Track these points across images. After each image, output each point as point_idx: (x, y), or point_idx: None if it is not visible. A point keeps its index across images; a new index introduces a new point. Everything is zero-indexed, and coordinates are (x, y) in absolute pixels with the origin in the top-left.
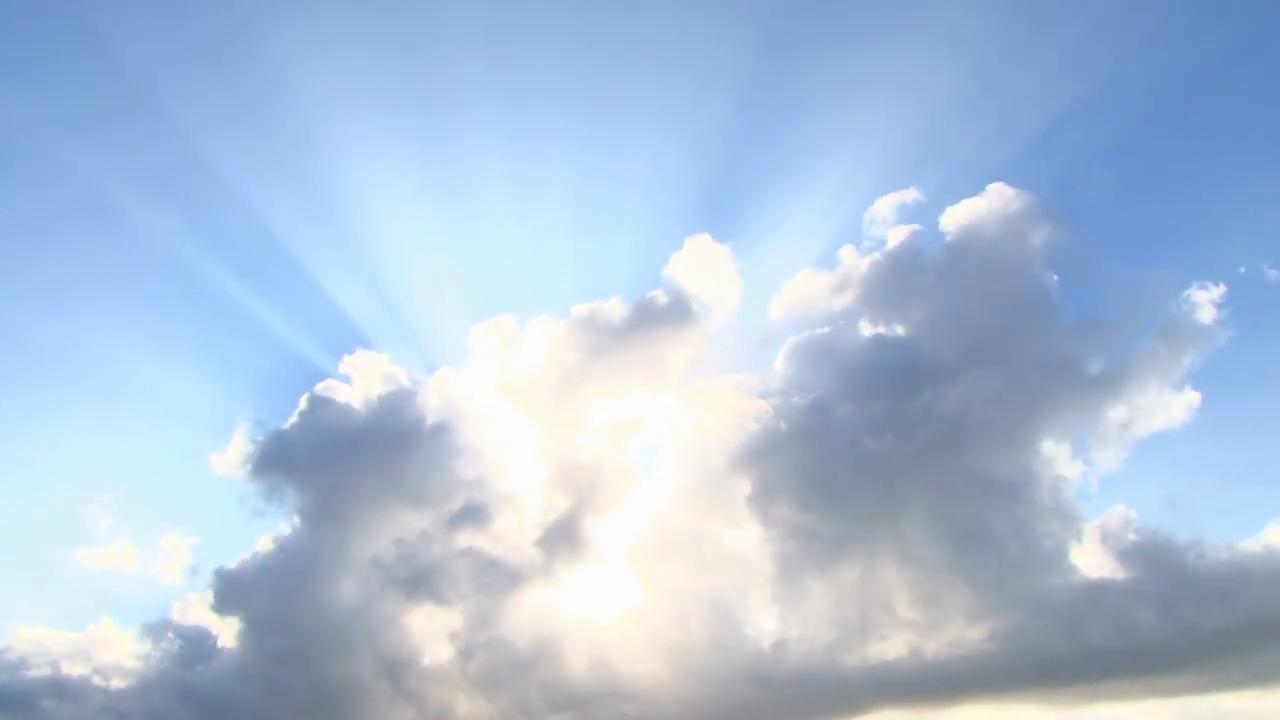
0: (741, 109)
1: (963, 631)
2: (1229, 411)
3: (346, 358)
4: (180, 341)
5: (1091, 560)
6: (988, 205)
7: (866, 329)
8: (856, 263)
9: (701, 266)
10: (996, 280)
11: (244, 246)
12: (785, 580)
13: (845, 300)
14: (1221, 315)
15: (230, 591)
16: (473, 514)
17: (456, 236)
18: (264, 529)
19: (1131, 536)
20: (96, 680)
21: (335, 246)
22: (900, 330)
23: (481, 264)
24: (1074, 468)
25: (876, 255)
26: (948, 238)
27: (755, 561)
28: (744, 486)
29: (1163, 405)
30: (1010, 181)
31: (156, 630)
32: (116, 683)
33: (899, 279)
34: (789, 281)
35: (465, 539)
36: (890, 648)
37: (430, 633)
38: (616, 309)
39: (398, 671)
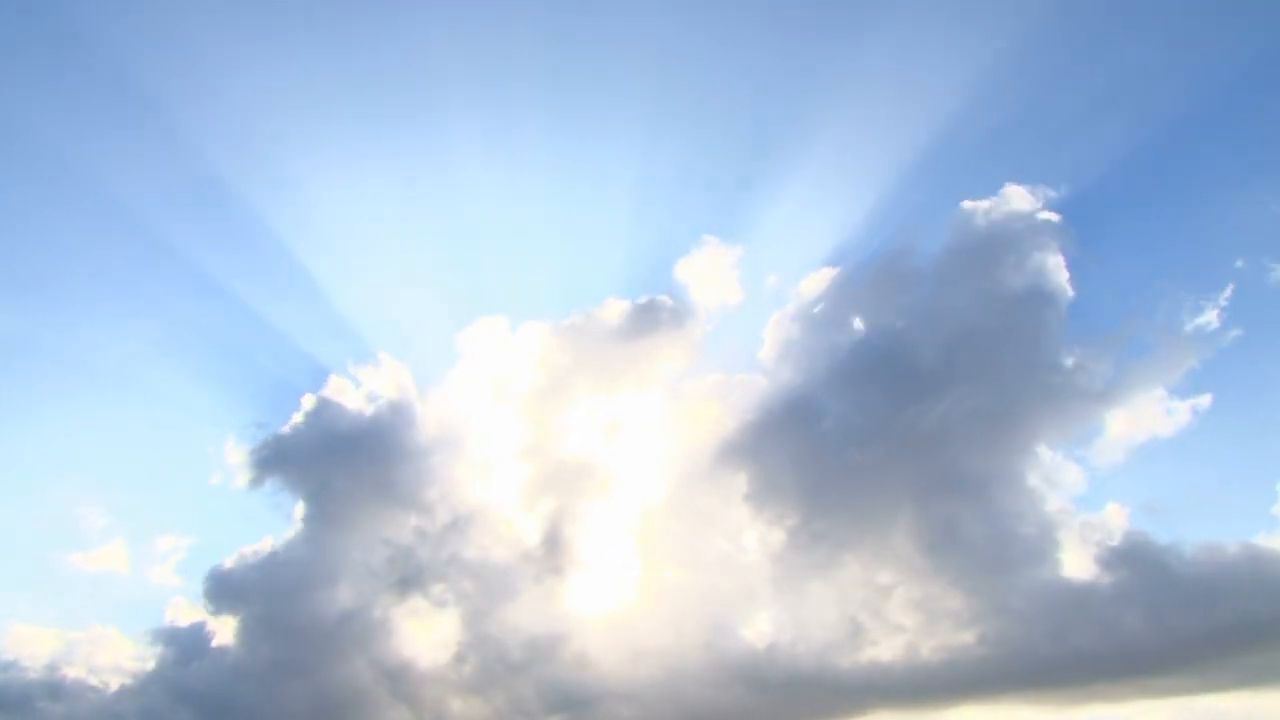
0: (735, 110)
1: (954, 635)
2: (1220, 416)
3: (345, 362)
4: (178, 344)
5: (1081, 564)
6: (996, 207)
7: (864, 332)
8: (857, 265)
9: (698, 268)
10: (997, 283)
11: (244, 247)
12: (780, 582)
13: (842, 303)
14: (1217, 320)
15: (225, 592)
16: (467, 516)
17: (449, 241)
18: (261, 531)
19: (1121, 541)
20: (92, 681)
21: (335, 249)
22: (898, 334)
23: (473, 267)
24: (1065, 472)
25: (877, 258)
26: (950, 239)
27: (750, 564)
28: (739, 489)
29: (1155, 410)
30: (1019, 183)
31: (152, 631)
32: (112, 683)
33: (898, 281)
34: (787, 284)
35: (461, 541)
36: (884, 650)
37: (426, 634)
38: (610, 311)
39: (394, 673)
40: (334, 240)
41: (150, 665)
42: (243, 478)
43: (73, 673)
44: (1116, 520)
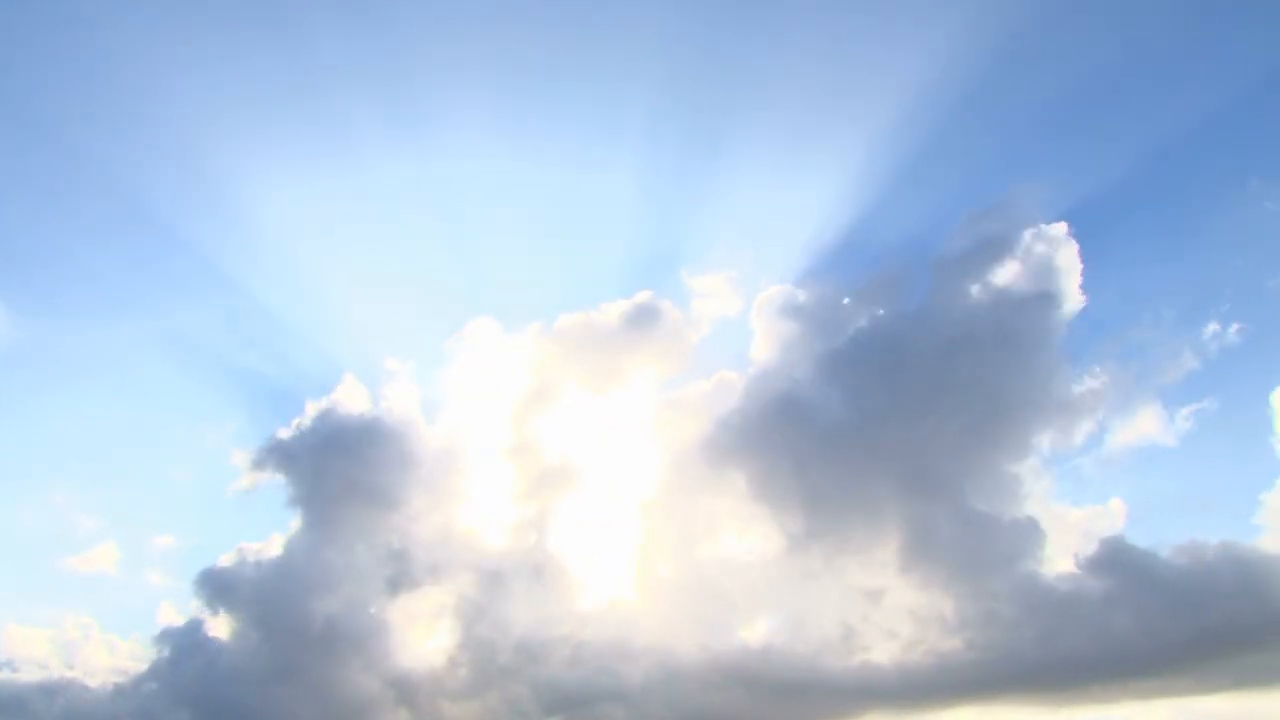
0: (736, 110)
1: (944, 639)
2: (1212, 422)
3: (344, 365)
4: (178, 345)
5: (1074, 567)
6: (995, 210)
7: (862, 335)
8: (854, 266)
9: (694, 270)
10: (994, 287)
11: (242, 249)
12: (776, 585)
13: (838, 306)
14: (1217, 326)
15: (219, 593)
16: (463, 519)
17: (446, 244)
18: (257, 533)
19: (1113, 544)
20: (88, 681)
21: (332, 253)
22: (895, 338)
23: (466, 270)
24: (1060, 476)
25: (877, 259)
26: (950, 239)
27: (746, 566)
28: (735, 492)
29: (1150, 416)
30: (1013, 193)
31: (147, 631)
32: (108, 682)
33: (897, 284)
34: (783, 286)
35: (457, 543)
36: (877, 653)
37: (423, 636)
38: (603, 313)
39: (390, 674)
40: (334, 242)
41: (144, 666)
42: (242, 480)
43: (68, 673)
44: (1111, 522)
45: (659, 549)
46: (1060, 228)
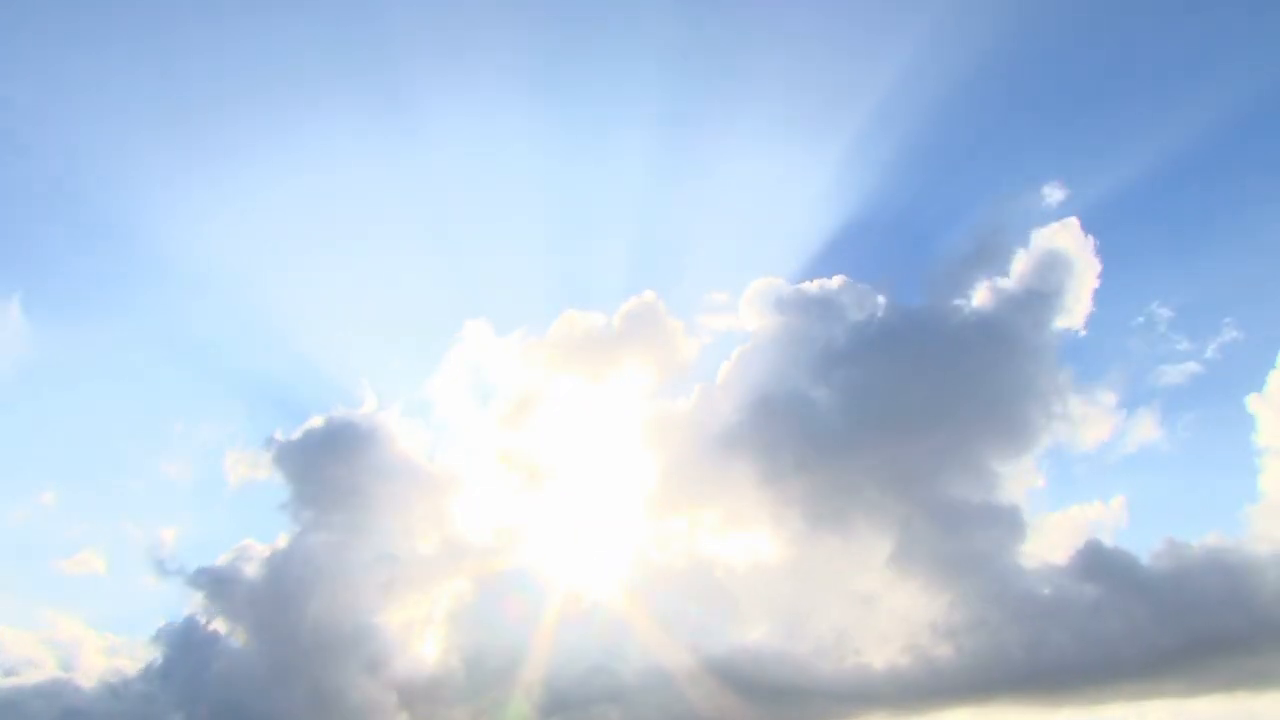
0: (736, 111)
1: (938, 642)
2: (1190, 426)
3: (341, 368)
4: (178, 346)
5: (1066, 568)
6: (994, 214)
7: (860, 335)
8: (853, 267)
9: (691, 271)
10: (988, 292)
11: (242, 250)
12: (769, 588)
13: (832, 308)
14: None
15: (216, 592)
16: (462, 519)
17: (440, 248)
18: (255, 535)
19: (1107, 546)
20: (83, 682)
21: (330, 256)
22: (891, 340)
23: (461, 274)
24: (1054, 478)
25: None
26: (942, 244)
27: (740, 569)
28: (730, 495)
29: (1142, 420)
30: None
31: (143, 632)
32: (104, 683)
33: (883, 289)
34: (775, 286)
35: (453, 544)
36: (871, 656)
37: (420, 637)
38: (597, 317)
39: (390, 676)
40: (332, 243)
41: (140, 666)
42: (240, 481)
43: (63, 675)
44: (1108, 524)
45: (653, 551)
46: (1072, 223)
